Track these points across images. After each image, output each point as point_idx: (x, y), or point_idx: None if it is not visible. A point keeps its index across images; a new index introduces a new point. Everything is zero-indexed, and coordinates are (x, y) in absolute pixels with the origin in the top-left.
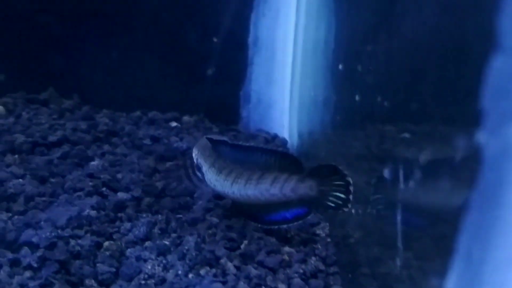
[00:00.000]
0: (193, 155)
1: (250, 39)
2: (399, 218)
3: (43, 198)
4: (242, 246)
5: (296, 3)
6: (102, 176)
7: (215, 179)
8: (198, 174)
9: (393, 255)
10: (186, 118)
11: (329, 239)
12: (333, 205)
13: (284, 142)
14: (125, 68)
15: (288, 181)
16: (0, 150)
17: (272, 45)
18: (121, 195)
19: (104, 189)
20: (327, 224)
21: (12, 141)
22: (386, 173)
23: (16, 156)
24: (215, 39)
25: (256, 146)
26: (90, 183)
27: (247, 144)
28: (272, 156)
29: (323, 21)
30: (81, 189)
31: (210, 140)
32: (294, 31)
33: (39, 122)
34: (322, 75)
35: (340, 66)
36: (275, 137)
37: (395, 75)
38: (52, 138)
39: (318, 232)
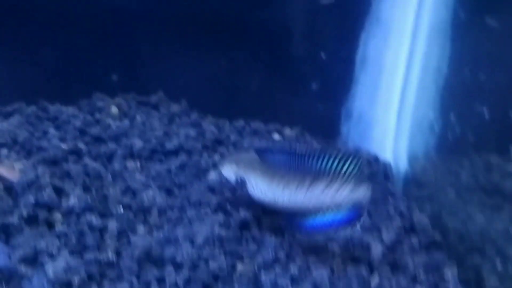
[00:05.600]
0: (229, 170)
1: (358, 57)
2: None
3: (174, 212)
4: (373, 284)
5: (413, 28)
6: (223, 192)
7: (267, 187)
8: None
9: None
10: (287, 130)
11: (459, 283)
12: None
13: (387, 165)
14: (232, 76)
15: (344, 186)
16: (121, 154)
17: (379, 66)
18: (243, 213)
19: (227, 205)
20: (455, 265)
21: (130, 146)
22: None
23: (138, 162)
24: (323, 54)
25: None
26: (214, 199)
27: (304, 149)
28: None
29: (445, 50)
30: (207, 205)
31: (258, 150)
32: (408, 55)
33: (152, 126)
34: (438, 100)
35: (455, 94)
36: (376, 158)
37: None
38: (169, 146)
39: (446, 274)
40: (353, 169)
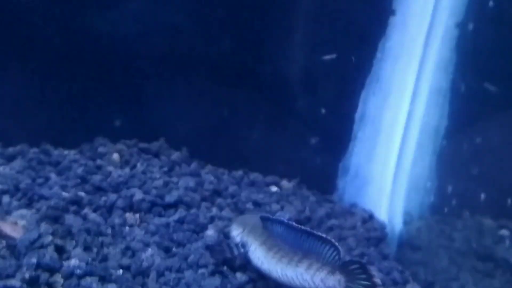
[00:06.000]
0: (236, 232)
1: (357, 115)
2: None
3: (172, 274)
4: None
5: (413, 90)
6: (221, 252)
7: (264, 257)
8: (240, 250)
9: None
10: (284, 183)
11: None
12: None
13: (382, 225)
14: (233, 126)
15: (320, 270)
16: (121, 206)
17: (378, 124)
18: (239, 276)
19: (224, 267)
20: None
21: (130, 197)
22: None
23: (137, 215)
24: (323, 110)
25: (305, 229)
26: (211, 260)
27: (299, 226)
28: (317, 240)
29: (444, 113)
30: (205, 266)
31: (262, 218)
32: (407, 115)
33: (153, 176)
34: (433, 161)
35: (451, 156)
36: (371, 216)
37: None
38: (168, 199)
39: None
40: (333, 255)
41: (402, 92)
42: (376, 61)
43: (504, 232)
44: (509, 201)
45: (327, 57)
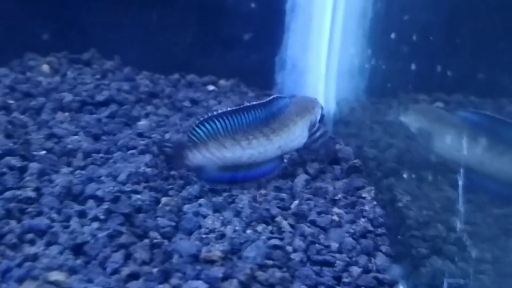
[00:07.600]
0: None
1: (287, 6)
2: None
3: (100, 155)
4: (293, 206)
5: None
6: (152, 136)
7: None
8: None
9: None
10: (222, 82)
11: (375, 202)
12: None
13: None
14: (164, 31)
15: None
16: (50, 107)
17: (309, 12)
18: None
19: (155, 148)
20: (373, 188)
21: (60, 100)
22: None
23: (67, 114)
24: (252, 5)
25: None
26: (142, 142)
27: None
28: None
29: None
30: (134, 148)
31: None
32: (334, 1)
33: (84, 81)
34: (363, 43)
35: (381, 35)
36: None
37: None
38: (99, 98)
39: (364, 195)
40: None
41: None
42: None
43: (439, 104)
44: (440, 74)
45: None
